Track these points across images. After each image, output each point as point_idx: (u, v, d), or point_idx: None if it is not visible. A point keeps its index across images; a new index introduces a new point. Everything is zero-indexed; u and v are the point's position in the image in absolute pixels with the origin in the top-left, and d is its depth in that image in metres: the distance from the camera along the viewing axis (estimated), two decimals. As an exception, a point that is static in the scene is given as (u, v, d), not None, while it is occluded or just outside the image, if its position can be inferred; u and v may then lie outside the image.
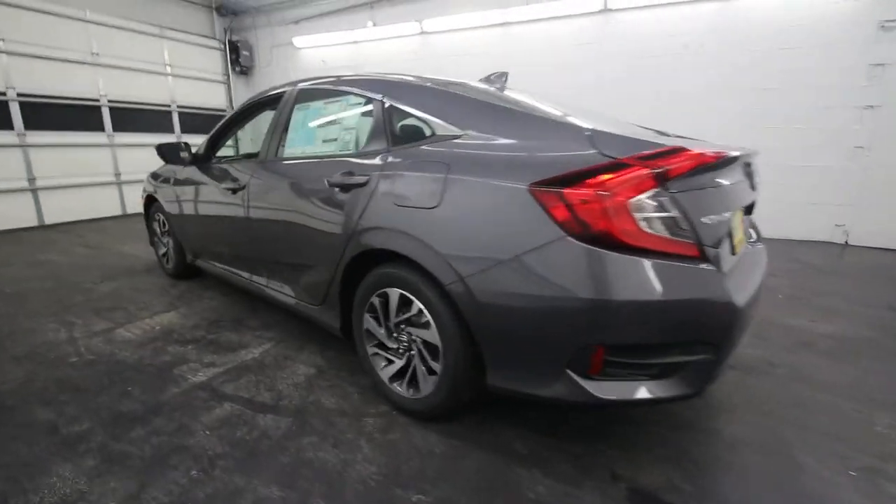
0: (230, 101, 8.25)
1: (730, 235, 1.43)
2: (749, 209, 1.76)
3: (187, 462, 1.49)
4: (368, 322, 1.82)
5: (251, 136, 2.86)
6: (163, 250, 3.55)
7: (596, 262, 1.21)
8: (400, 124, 1.75)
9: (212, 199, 2.70)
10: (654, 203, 1.23)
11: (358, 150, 1.89)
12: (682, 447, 1.58)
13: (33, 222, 5.85)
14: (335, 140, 1.98)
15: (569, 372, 1.31)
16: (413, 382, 1.70)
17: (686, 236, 1.25)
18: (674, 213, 1.24)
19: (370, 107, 1.87)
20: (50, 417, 1.74)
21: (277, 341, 2.42)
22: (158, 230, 3.53)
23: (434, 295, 1.52)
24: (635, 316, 1.23)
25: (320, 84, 2.16)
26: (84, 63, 6.17)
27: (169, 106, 7.27)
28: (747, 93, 4.98)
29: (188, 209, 2.98)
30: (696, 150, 1.28)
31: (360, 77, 2.01)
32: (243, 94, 8.42)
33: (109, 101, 6.48)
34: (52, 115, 5.91)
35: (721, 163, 1.38)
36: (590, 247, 1.21)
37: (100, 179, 6.52)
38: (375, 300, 1.75)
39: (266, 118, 2.72)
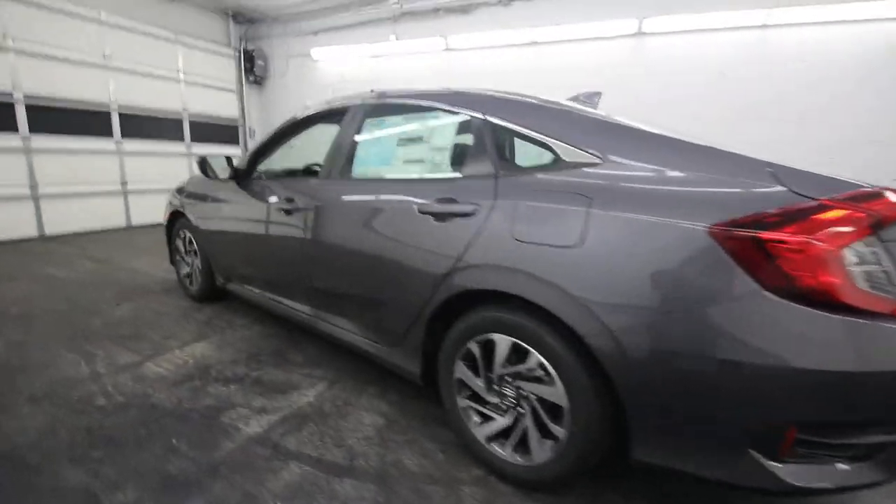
0: (242, 111, 8.02)
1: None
2: None
3: (265, 549, 1.22)
4: (461, 371, 1.57)
5: (297, 152, 2.60)
6: (185, 270, 3.26)
7: (807, 324, 0.99)
8: (509, 146, 1.54)
9: (257, 218, 2.45)
10: (870, 253, 1.02)
11: (454, 173, 1.66)
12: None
13: (33, 232, 5.52)
14: (421, 161, 1.76)
15: (753, 452, 1.08)
16: (521, 446, 1.45)
17: None
18: (886, 265, 1.04)
19: (467, 125, 1.66)
20: (84, 481, 1.46)
21: (330, 382, 2.15)
22: (182, 248, 3.25)
23: (564, 347, 1.28)
24: (850, 389, 1.01)
25: (398, 98, 1.95)
26: (95, 66, 5.93)
27: (180, 114, 7.02)
28: (777, 123, 4.90)
29: (225, 227, 2.72)
30: None
31: (450, 91, 1.80)
32: (256, 104, 8.22)
33: (119, 107, 6.22)
34: (58, 118, 5.63)
35: None
36: (797, 305, 1.00)
37: (105, 188, 6.21)
38: (474, 347, 1.51)
39: (319, 134, 2.51)
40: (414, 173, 1.78)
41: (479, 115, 1.61)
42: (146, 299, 3.27)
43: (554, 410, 1.36)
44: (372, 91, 2.11)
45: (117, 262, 4.37)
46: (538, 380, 1.38)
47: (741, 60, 5.01)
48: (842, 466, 1.09)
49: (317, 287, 2.14)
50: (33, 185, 5.46)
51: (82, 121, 5.87)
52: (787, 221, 1.02)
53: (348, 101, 2.15)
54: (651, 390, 1.16)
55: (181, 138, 7.07)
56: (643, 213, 1.16)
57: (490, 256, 1.41)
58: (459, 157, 1.66)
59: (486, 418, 1.55)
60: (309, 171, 2.82)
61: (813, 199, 1.05)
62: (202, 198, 2.94)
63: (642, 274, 1.14)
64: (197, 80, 7.21)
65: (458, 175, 1.63)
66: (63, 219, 5.77)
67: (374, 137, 2.00)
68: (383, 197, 1.79)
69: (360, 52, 7.11)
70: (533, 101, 1.63)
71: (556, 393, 1.33)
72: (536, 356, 1.35)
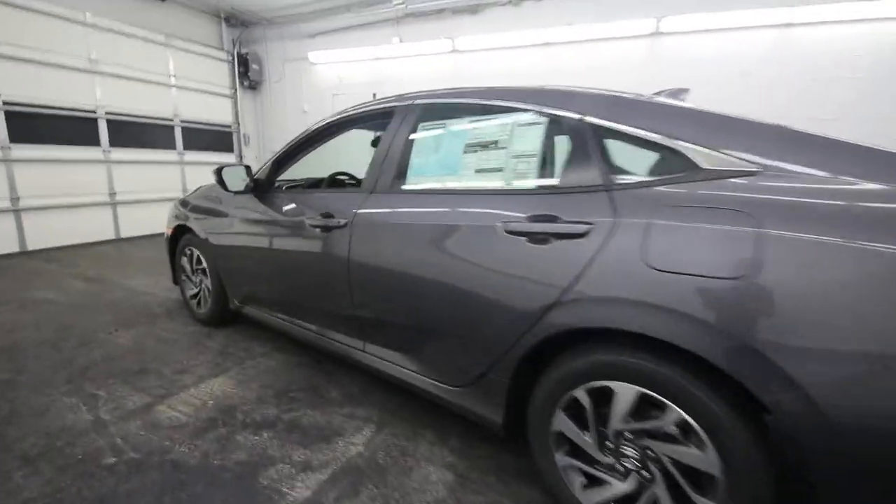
0: (237, 116, 7.66)
1: None
2: None
3: None
4: (563, 423, 1.30)
5: (318, 161, 2.32)
6: (193, 291, 2.93)
7: None
8: (622, 152, 1.28)
9: (283, 235, 2.15)
10: None
11: (547, 184, 1.39)
12: None
13: (14, 248, 5.09)
14: (499, 170, 1.48)
15: None
16: (649, 519, 1.19)
17: None
18: None
19: (559, 127, 1.39)
20: (101, 580, 1.15)
21: (377, 425, 1.85)
22: (189, 267, 2.92)
23: (721, 405, 1.02)
24: None
25: (460, 97, 1.68)
26: (81, 70, 5.53)
27: (171, 120, 6.63)
28: (800, 122, 4.74)
29: (243, 245, 2.41)
30: None
31: (531, 89, 1.54)
32: (251, 109, 7.86)
33: (107, 113, 5.82)
34: (41, 126, 5.22)
35: None
36: None
37: (92, 199, 5.80)
38: (582, 395, 1.25)
39: (351, 139, 2.23)
40: (490, 185, 1.50)
41: (575, 116, 1.36)
42: (149, 325, 2.93)
43: (699, 479, 1.09)
44: (421, 91, 1.84)
45: (111, 281, 4.00)
46: (674, 440, 1.11)
47: (763, 59, 4.87)
48: None
49: (360, 315, 1.85)
50: (14, 198, 5.05)
51: (67, 129, 5.46)
52: None
53: (395, 102, 1.88)
54: (866, 463, 0.91)
55: (172, 146, 6.68)
56: (838, 235, 0.91)
57: (613, 287, 1.14)
58: (552, 164, 1.40)
59: (595, 481, 1.28)
60: (336, 182, 2.54)
61: None
62: (213, 212, 2.62)
63: (850, 313, 0.89)
64: (189, 84, 6.84)
65: (552, 187, 1.36)
66: (47, 232, 5.34)
67: (433, 143, 1.72)
68: (451, 214, 1.51)
69: (361, 54, 6.83)
70: (643, 98, 1.38)
71: (706, 459, 1.06)
72: (677, 411, 1.09)
